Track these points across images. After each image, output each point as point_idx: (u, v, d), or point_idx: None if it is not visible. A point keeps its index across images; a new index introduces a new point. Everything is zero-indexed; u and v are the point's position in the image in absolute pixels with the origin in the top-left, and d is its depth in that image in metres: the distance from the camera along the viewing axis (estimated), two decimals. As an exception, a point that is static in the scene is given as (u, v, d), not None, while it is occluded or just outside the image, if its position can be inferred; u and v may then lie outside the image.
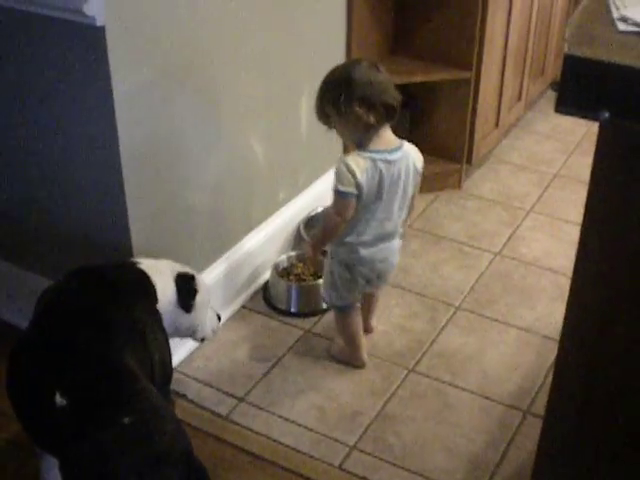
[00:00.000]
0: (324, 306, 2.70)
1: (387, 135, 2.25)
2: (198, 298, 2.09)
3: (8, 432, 2.22)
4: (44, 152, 2.26)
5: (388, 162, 2.22)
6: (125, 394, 1.62)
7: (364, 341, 2.52)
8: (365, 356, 2.52)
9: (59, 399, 1.60)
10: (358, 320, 2.49)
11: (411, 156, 2.31)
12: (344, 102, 2.17)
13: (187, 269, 2.12)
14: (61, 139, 2.19)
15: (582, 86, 1.13)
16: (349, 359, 2.53)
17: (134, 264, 2.00)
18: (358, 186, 2.18)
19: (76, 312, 1.76)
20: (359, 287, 2.41)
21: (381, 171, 2.21)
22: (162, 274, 2.01)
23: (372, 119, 2.17)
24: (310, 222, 2.92)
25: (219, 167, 2.51)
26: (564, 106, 1.15)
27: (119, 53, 1.98)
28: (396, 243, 2.39)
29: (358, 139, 2.24)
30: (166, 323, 1.99)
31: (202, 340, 2.26)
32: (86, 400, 1.61)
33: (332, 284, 2.40)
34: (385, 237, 2.33)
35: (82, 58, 2.00)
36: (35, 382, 1.69)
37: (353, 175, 2.18)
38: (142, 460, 1.51)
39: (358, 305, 2.51)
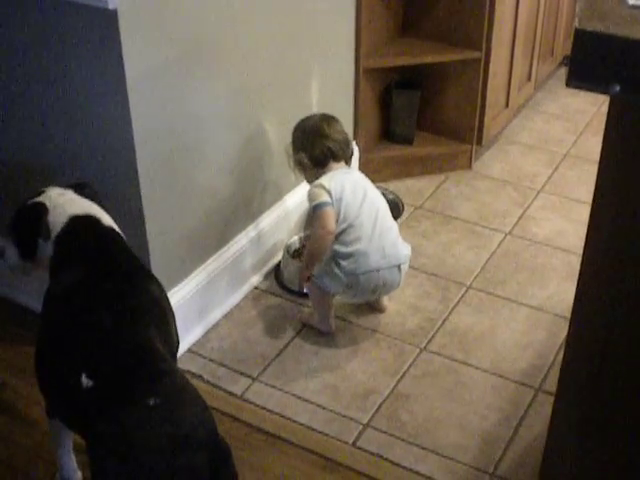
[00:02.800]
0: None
1: (339, 166, 2.53)
2: None
3: (21, 410, 2.26)
4: (56, 137, 2.28)
5: (347, 172, 2.52)
6: (150, 375, 1.62)
7: (333, 311, 2.58)
8: (333, 325, 2.58)
9: (85, 380, 1.61)
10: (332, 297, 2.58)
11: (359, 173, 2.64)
12: (293, 149, 2.56)
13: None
14: (74, 123, 2.21)
15: (593, 60, 1.14)
16: (318, 325, 2.58)
17: (100, 225, 1.89)
18: (330, 193, 2.41)
19: (98, 297, 1.76)
20: (361, 298, 2.58)
21: (345, 179, 2.46)
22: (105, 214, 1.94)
23: (313, 162, 2.51)
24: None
25: (232, 149, 2.53)
26: (575, 80, 1.16)
27: (132, 36, 1.99)
28: (397, 252, 2.49)
29: (313, 177, 2.53)
30: None
31: None
32: (111, 381, 1.61)
33: (320, 276, 2.48)
34: (386, 238, 2.47)
35: (94, 41, 2.02)
36: (62, 364, 1.70)
37: (321, 186, 2.43)
38: (167, 441, 1.51)
39: None
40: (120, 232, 1.92)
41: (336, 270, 2.43)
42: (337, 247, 2.43)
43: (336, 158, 2.50)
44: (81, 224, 1.88)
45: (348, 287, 2.46)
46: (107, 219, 1.91)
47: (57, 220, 1.86)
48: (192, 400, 1.62)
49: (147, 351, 1.66)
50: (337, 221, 2.41)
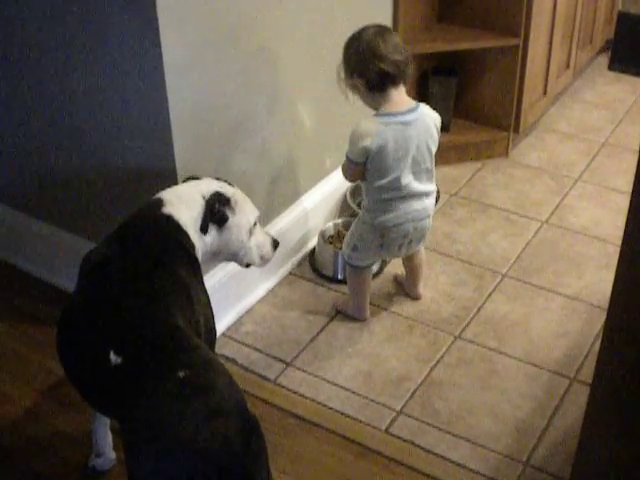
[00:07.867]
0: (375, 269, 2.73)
1: (399, 98, 2.30)
2: (234, 220, 2.00)
3: (61, 393, 2.28)
4: (92, 120, 2.29)
5: (403, 124, 2.28)
6: (178, 349, 1.64)
7: (369, 299, 2.57)
8: (368, 312, 2.57)
9: (114, 357, 1.63)
10: (369, 280, 2.56)
11: (428, 115, 2.35)
12: (346, 71, 2.30)
13: (226, 188, 2.01)
14: (111, 105, 2.22)
15: (636, 44, 1.13)
16: (353, 313, 2.57)
17: (160, 211, 1.89)
18: (367, 151, 2.26)
19: (123, 276, 1.77)
20: (391, 253, 2.49)
21: (397, 132, 2.26)
22: (191, 205, 1.92)
23: (369, 86, 2.26)
24: (357, 191, 2.90)
25: (268, 133, 2.53)
26: (617, 64, 1.15)
27: (169, 18, 2.00)
28: (428, 202, 2.41)
29: (370, 103, 2.32)
30: (207, 250, 1.97)
31: (247, 266, 2.13)
32: (140, 356, 1.63)
33: (352, 246, 2.47)
34: (416, 195, 2.36)
35: (132, 23, 2.02)
36: (88, 343, 1.72)
37: (362, 139, 2.25)
38: (198, 413, 1.53)
39: (372, 267, 2.59)
40: (179, 219, 1.88)
41: (368, 224, 2.39)
42: (374, 201, 2.36)
43: (395, 82, 2.26)
44: (145, 205, 1.93)
45: (380, 245, 2.42)
46: (174, 207, 1.89)
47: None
48: (219, 371, 1.64)
49: (171, 327, 1.68)
50: (375, 175, 2.31)
